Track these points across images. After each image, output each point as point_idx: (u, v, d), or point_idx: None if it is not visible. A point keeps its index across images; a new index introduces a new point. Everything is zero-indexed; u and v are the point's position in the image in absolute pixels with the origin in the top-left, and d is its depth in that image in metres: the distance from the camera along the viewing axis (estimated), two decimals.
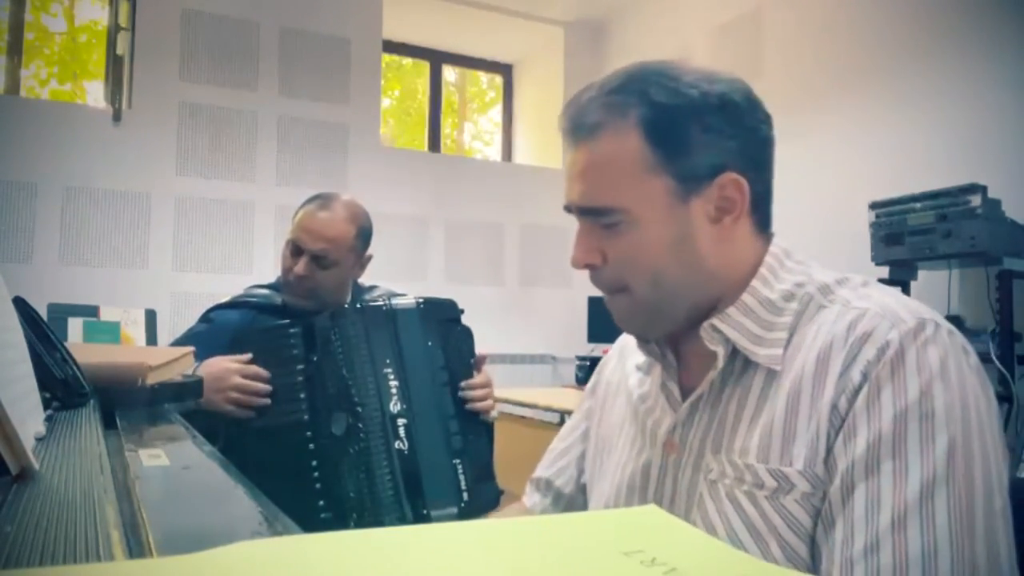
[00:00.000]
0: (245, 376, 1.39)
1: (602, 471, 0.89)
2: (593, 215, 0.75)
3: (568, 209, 0.78)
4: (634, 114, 0.72)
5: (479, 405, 1.46)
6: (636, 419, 0.84)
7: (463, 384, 1.45)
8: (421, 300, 1.48)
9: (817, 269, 0.77)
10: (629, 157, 0.72)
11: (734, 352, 0.74)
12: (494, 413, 1.51)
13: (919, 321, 0.66)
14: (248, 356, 1.43)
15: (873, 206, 2.94)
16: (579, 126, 0.75)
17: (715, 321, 0.74)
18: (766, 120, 0.76)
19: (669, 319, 0.77)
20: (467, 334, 1.51)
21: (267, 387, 1.40)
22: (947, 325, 0.68)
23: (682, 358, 0.81)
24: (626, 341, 0.96)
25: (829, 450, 0.65)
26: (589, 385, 1.01)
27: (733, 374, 0.74)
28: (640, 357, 0.86)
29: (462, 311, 1.52)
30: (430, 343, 1.44)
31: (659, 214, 0.72)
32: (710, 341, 0.74)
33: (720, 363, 0.73)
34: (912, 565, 0.58)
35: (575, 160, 0.76)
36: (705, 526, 0.71)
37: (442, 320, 1.48)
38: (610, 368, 0.97)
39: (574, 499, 0.98)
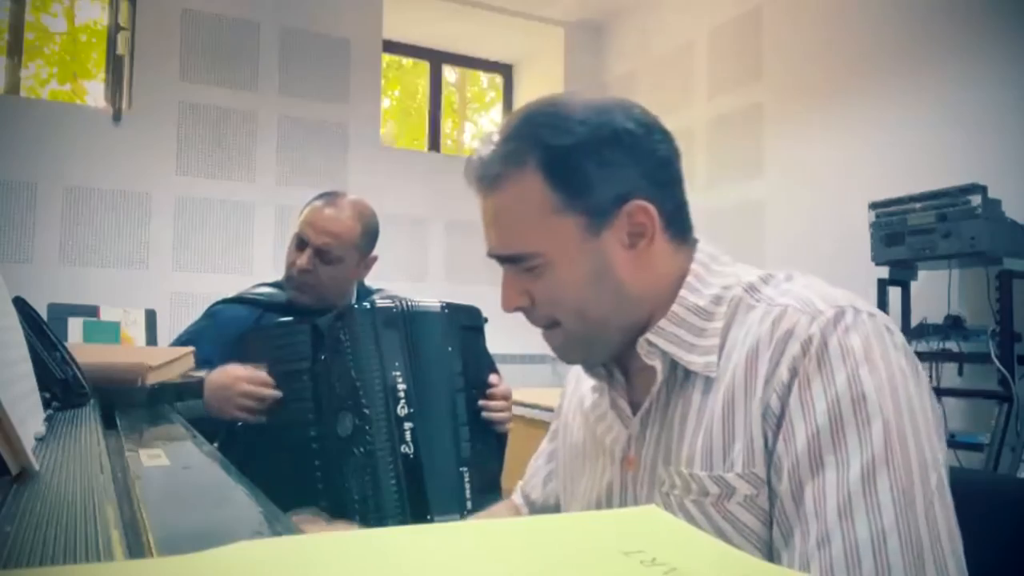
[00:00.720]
0: (252, 383, 1.39)
1: (572, 494, 0.91)
2: (512, 261, 0.77)
3: (491, 256, 0.80)
4: (531, 160, 0.73)
5: (496, 416, 1.45)
6: (595, 440, 0.86)
7: (488, 392, 1.45)
8: (445, 304, 1.47)
9: (743, 269, 0.79)
10: (534, 202, 0.74)
11: (674, 363, 0.75)
12: (509, 425, 1.50)
13: (837, 310, 0.67)
14: (262, 372, 1.41)
15: (873, 206, 2.94)
16: (482, 178, 0.77)
17: (649, 336, 0.75)
18: (664, 139, 0.78)
19: (603, 347, 0.79)
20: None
21: (275, 392, 1.39)
22: (867, 308, 0.69)
23: (629, 374, 0.82)
24: (579, 368, 0.98)
25: (769, 451, 0.67)
26: (557, 406, 1.03)
27: (676, 384, 0.75)
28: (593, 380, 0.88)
29: (486, 320, 1.51)
30: (450, 348, 1.43)
31: (573, 252, 0.74)
32: (647, 356, 0.75)
33: (660, 376, 0.75)
34: (863, 551, 0.59)
35: (486, 210, 0.78)
36: None
37: (464, 327, 1.47)
38: (570, 390, 0.98)
39: (550, 505, 1.00)
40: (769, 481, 0.67)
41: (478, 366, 1.47)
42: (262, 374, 1.40)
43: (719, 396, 0.71)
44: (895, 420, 0.63)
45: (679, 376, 0.75)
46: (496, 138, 0.77)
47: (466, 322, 1.48)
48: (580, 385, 0.94)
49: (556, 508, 0.99)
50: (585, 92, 0.80)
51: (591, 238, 0.74)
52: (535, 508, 1.01)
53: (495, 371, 1.53)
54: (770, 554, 0.67)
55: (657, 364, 0.75)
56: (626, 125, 0.74)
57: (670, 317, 0.75)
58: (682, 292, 0.76)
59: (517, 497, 1.05)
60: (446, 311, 1.45)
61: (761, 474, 0.67)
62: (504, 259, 0.78)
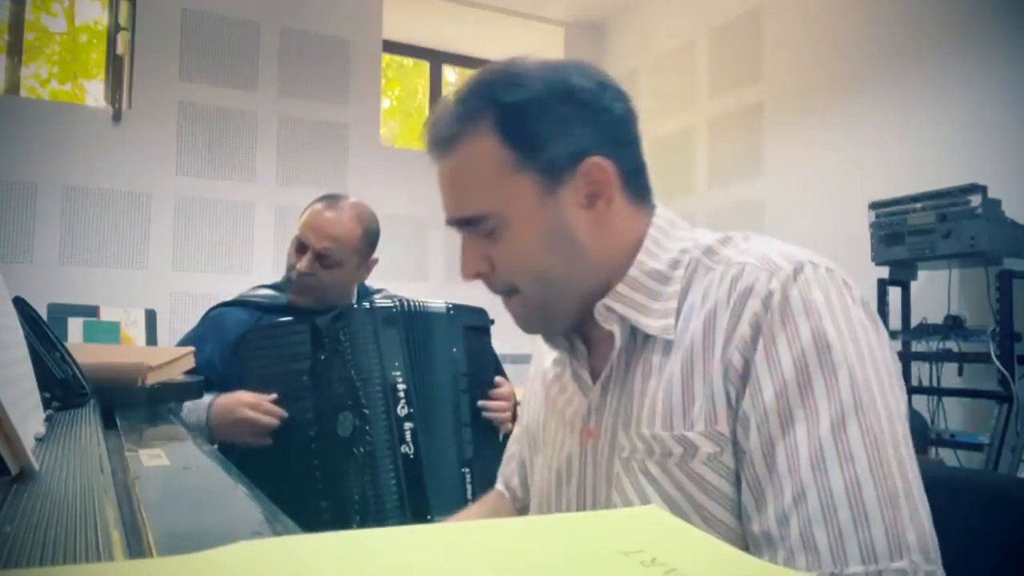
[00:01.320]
0: (256, 409, 1.38)
1: (534, 474, 0.90)
2: (469, 225, 0.76)
3: (449, 224, 0.78)
4: (486, 118, 0.73)
5: (497, 415, 1.45)
6: (555, 414, 0.85)
7: (490, 392, 1.44)
8: (451, 305, 1.47)
9: (702, 233, 0.78)
10: (489, 161, 0.73)
11: (633, 329, 0.74)
12: (509, 425, 1.50)
13: (796, 264, 0.68)
14: (271, 397, 1.40)
15: (873, 206, 2.94)
16: (438, 140, 0.76)
17: (607, 301, 0.75)
18: (620, 97, 0.77)
19: (564, 313, 0.77)
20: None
21: (280, 411, 1.38)
22: (825, 263, 0.69)
23: (590, 343, 0.81)
24: (542, 342, 0.97)
25: (735, 408, 0.66)
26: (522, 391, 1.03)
27: (635, 349, 0.75)
28: (555, 353, 0.87)
29: (492, 321, 1.51)
30: (455, 349, 1.43)
31: (530, 212, 0.73)
32: (605, 321, 0.75)
33: (618, 341, 0.74)
34: (839, 503, 0.59)
35: (442, 174, 0.77)
36: (624, 505, 0.72)
37: (470, 327, 1.47)
38: (532, 371, 0.98)
39: (525, 501, 0.99)
40: (735, 438, 0.67)
41: (483, 367, 1.47)
42: (266, 400, 1.39)
43: (678, 357, 0.71)
44: (860, 370, 0.63)
45: (638, 341, 0.75)
46: (449, 99, 0.76)
47: (472, 323, 1.48)
48: (542, 362, 0.93)
49: (525, 492, 0.99)
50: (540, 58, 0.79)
51: (548, 197, 0.73)
52: (515, 494, 1.01)
53: (501, 372, 1.53)
54: (738, 512, 0.67)
55: (615, 329, 0.74)
56: (580, 82, 0.74)
57: (627, 281, 0.75)
58: (639, 256, 0.75)
59: (500, 485, 1.04)
60: (452, 312, 1.45)
61: (725, 431, 0.67)
62: (461, 223, 0.76)
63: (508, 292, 0.78)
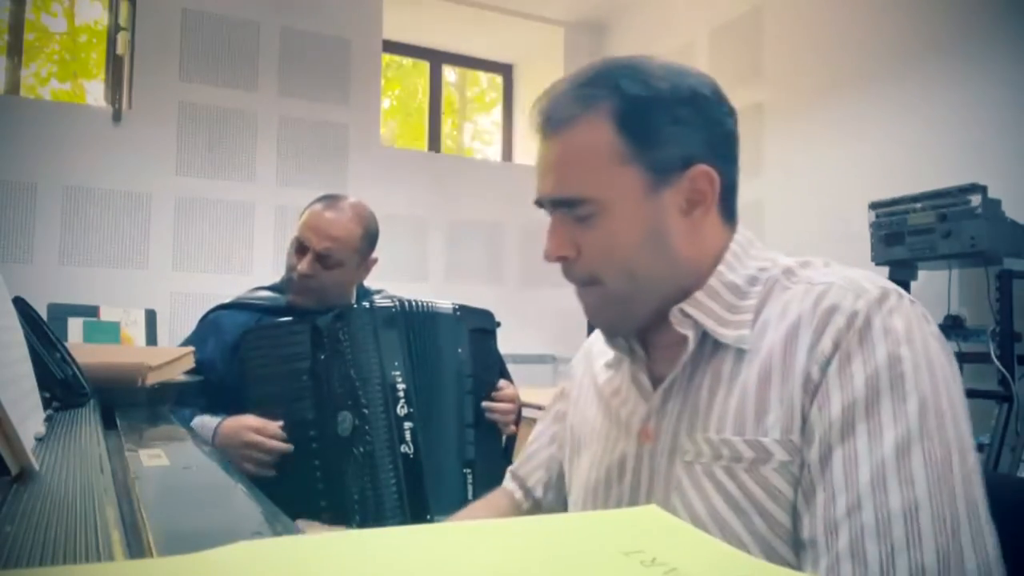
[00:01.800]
0: (261, 433, 1.35)
1: (578, 470, 0.89)
2: (566, 206, 0.75)
3: (540, 204, 0.78)
4: (606, 106, 0.73)
5: (500, 417, 1.45)
6: (609, 415, 0.85)
7: (495, 395, 1.44)
8: (457, 307, 1.47)
9: (781, 256, 0.79)
10: (602, 148, 0.73)
11: (703, 336, 0.75)
12: (512, 428, 1.50)
13: (882, 291, 0.68)
14: (277, 424, 1.37)
15: (873, 206, 2.94)
16: (551, 119, 0.75)
17: (684, 306, 0.75)
18: (732, 114, 0.79)
19: (640, 312, 0.78)
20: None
21: (284, 446, 1.35)
22: (908, 296, 0.70)
23: (650, 350, 0.82)
24: (591, 343, 0.97)
25: (804, 419, 0.67)
26: (558, 390, 1.02)
27: (703, 357, 0.75)
28: (608, 356, 0.87)
29: (498, 324, 1.51)
30: (460, 350, 1.44)
31: (632, 205, 0.73)
32: (680, 325, 0.75)
33: (691, 346, 0.74)
34: (894, 520, 0.59)
35: (548, 152, 0.76)
36: (685, 509, 0.72)
37: (476, 329, 1.47)
38: (580, 371, 0.97)
39: (541, 501, 0.98)
40: (802, 450, 0.67)
41: (488, 369, 1.47)
42: (273, 426, 1.36)
43: (754, 367, 0.71)
44: (932, 399, 0.63)
45: (707, 349, 0.75)
46: (571, 79, 0.76)
47: (478, 325, 1.48)
48: (592, 363, 0.93)
49: (556, 492, 0.98)
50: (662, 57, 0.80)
51: (651, 195, 0.73)
52: (532, 494, 1.00)
53: (506, 375, 1.53)
54: (796, 519, 0.66)
55: (689, 333, 0.74)
56: (702, 90, 0.75)
57: (706, 290, 0.75)
58: (720, 267, 0.76)
59: (509, 483, 1.03)
60: (459, 313, 1.45)
61: (797, 442, 0.67)
62: (559, 203, 0.76)
63: (588, 282, 0.78)
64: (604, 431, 0.85)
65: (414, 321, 1.44)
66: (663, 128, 0.73)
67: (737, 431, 0.70)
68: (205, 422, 1.38)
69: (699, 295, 0.75)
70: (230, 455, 1.32)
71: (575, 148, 0.74)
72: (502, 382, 1.51)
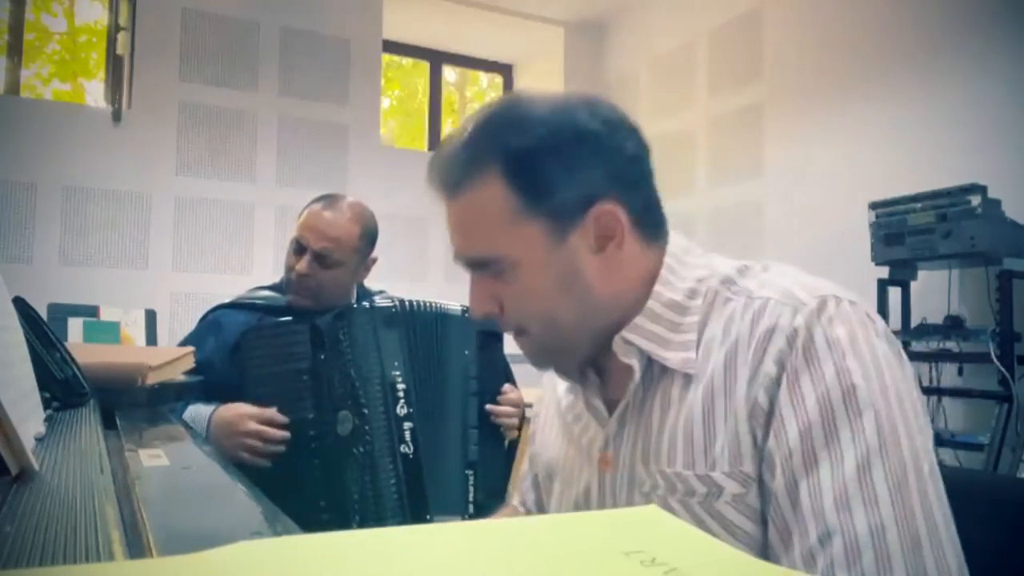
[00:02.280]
0: (261, 422, 1.34)
1: (551, 496, 0.90)
2: (478, 267, 0.75)
3: (458, 262, 0.78)
4: (493, 164, 0.71)
5: (504, 420, 1.45)
6: (572, 441, 0.84)
7: (499, 399, 1.44)
8: (466, 308, 1.47)
9: (719, 260, 0.77)
10: (497, 207, 0.72)
11: (651, 360, 0.74)
12: (514, 433, 1.50)
13: (820, 300, 0.67)
14: (272, 411, 1.36)
15: (873, 206, 2.94)
16: (446, 183, 0.75)
17: (625, 334, 0.74)
18: (631, 135, 0.75)
19: (573, 353, 0.77)
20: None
21: (283, 433, 1.35)
22: (848, 295, 0.69)
23: (604, 372, 0.81)
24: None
25: (759, 448, 0.66)
26: (534, 411, 1.02)
27: (652, 381, 0.74)
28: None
29: None
30: (467, 351, 1.44)
31: (539, 257, 0.72)
32: (624, 355, 0.74)
33: (637, 375, 0.73)
34: (863, 546, 0.59)
35: (450, 215, 0.76)
36: None
37: (483, 332, 1.47)
38: (548, 394, 0.97)
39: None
40: (760, 478, 0.66)
41: (494, 372, 1.47)
42: (271, 412, 1.35)
43: (698, 393, 0.70)
44: (885, 410, 0.62)
45: (655, 373, 0.74)
46: (456, 141, 0.75)
47: (486, 327, 1.48)
48: (557, 386, 0.92)
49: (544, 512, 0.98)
50: (548, 91, 0.78)
51: (557, 243, 0.72)
52: (531, 511, 1.00)
53: (511, 379, 1.53)
54: (763, 552, 0.66)
55: (634, 362, 0.73)
56: (589, 125, 0.72)
57: (646, 313, 0.74)
58: (656, 287, 0.75)
59: (516, 501, 1.03)
60: (466, 315, 1.45)
61: (750, 472, 0.66)
62: (470, 263, 0.76)
63: (518, 332, 0.78)
64: (569, 459, 0.85)
65: (418, 321, 1.44)
66: (554, 175, 0.71)
67: (687, 463, 0.69)
68: (199, 410, 1.38)
69: (639, 320, 0.74)
70: (225, 444, 1.32)
71: (472, 210, 0.73)
72: (506, 386, 1.51)
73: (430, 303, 1.48)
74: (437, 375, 1.42)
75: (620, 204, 0.72)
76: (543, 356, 0.79)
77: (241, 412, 1.35)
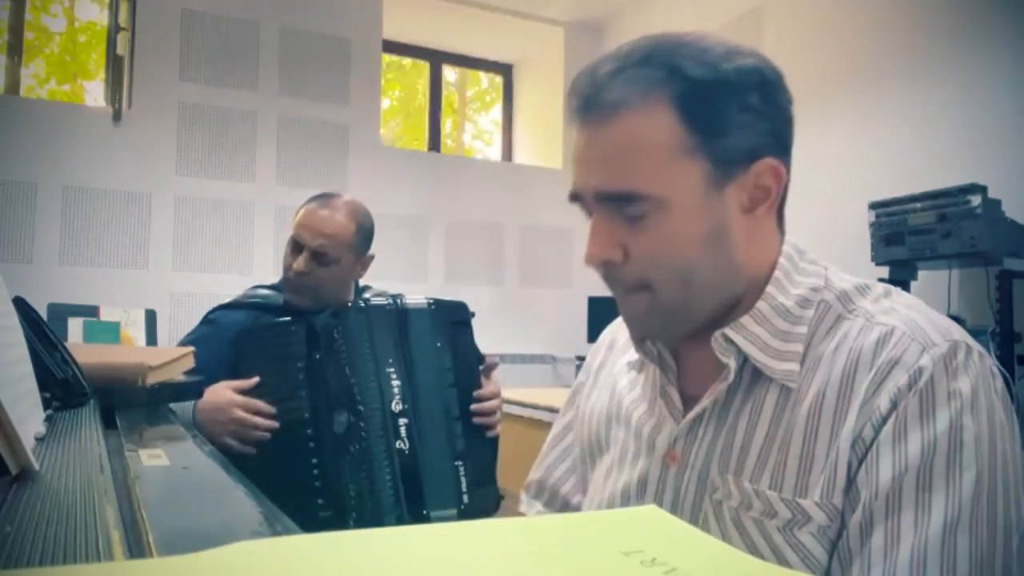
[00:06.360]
0: (247, 410, 1.37)
1: (594, 475, 0.84)
2: (616, 202, 0.66)
3: (577, 198, 0.69)
4: (666, 90, 0.64)
5: (486, 420, 1.46)
6: (629, 426, 0.78)
7: (475, 395, 1.45)
8: (432, 301, 1.48)
9: (834, 272, 0.72)
10: (661, 138, 0.64)
11: (744, 363, 0.68)
12: (499, 427, 1.51)
13: (951, 344, 0.62)
14: (253, 382, 1.39)
15: (873, 206, 2.93)
16: (598, 104, 0.65)
17: (728, 331, 0.68)
18: (791, 101, 0.70)
19: (691, 321, 0.69)
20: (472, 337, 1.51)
21: (270, 422, 1.38)
22: (977, 347, 0.64)
23: (681, 360, 0.75)
24: (615, 335, 0.89)
25: (850, 481, 0.61)
26: (577, 382, 0.95)
27: (741, 387, 0.69)
28: (631, 354, 0.79)
29: (473, 314, 1.52)
30: (439, 344, 1.44)
31: (693, 203, 0.64)
32: (722, 353, 0.68)
33: (731, 376, 0.68)
34: None
35: (593, 142, 0.66)
36: None
37: (452, 322, 1.48)
38: (598, 363, 0.90)
39: (578, 508, 0.90)
40: (843, 513, 0.62)
41: (468, 361, 1.48)
42: (257, 402, 1.38)
43: (801, 412, 0.64)
44: (988, 475, 0.58)
45: (746, 377, 0.68)
46: (620, 58, 0.66)
47: (454, 317, 1.49)
48: (613, 360, 0.86)
49: (580, 505, 0.90)
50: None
51: (714, 192, 0.65)
52: (566, 501, 0.91)
53: (482, 363, 1.54)
54: None
55: (732, 363, 0.67)
56: (768, 75, 0.67)
57: (753, 315, 0.68)
58: (769, 288, 0.68)
59: (524, 507, 0.95)
60: (433, 307, 1.46)
61: (839, 505, 0.61)
62: (608, 198, 0.66)
63: (636, 288, 0.68)
64: (623, 442, 0.79)
65: (406, 317, 1.45)
66: (731, 116, 0.64)
67: (774, 484, 0.64)
68: None
69: (745, 319, 0.67)
70: (213, 429, 1.35)
71: (628, 137, 0.64)
72: (484, 381, 1.51)
73: (399, 299, 1.49)
74: (421, 370, 1.43)
75: (783, 166, 0.67)
76: (655, 320, 0.69)
77: (228, 398, 1.37)
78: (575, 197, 0.69)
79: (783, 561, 0.63)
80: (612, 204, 0.66)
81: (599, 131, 0.66)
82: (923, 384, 0.60)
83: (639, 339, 0.75)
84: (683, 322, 0.70)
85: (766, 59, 0.68)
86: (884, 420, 0.60)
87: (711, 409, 0.70)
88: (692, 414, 0.71)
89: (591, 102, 0.66)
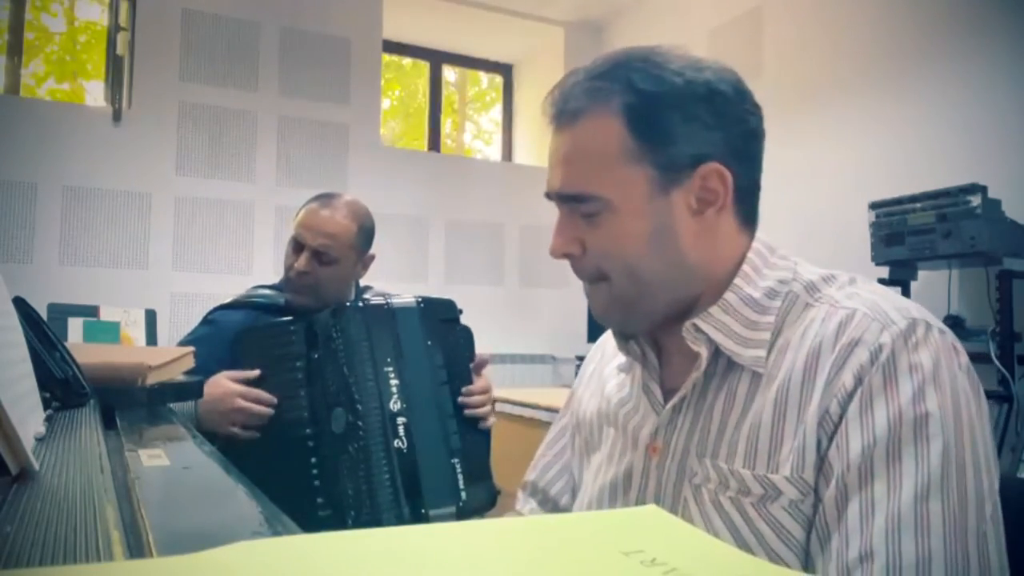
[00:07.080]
0: (247, 399, 1.39)
1: (583, 474, 0.88)
2: (572, 202, 0.73)
3: (549, 196, 0.77)
4: (617, 101, 0.71)
5: (478, 411, 1.46)
6: (616, 421, 0.83)
7: (464, 390, 1.46)
8: (420, 299, 1.48)
9: (803, 265, 0.76)
10: (610, 144, 0.71)
11: (717, 352, 0.72)
12: (492, 419, 1.51)
13: (910, 322, 0.65)
14: (255, 373, 1.42)
15: (873, 206, 2.94)
16: (562, 111, 0.74)
17: (697, 321, 0.72)
18: (755, 112, 0.75)
19: (647, 313, 0.75)
20: (466, 334, 1.52)
21: (269, 411, 1.40)
22: (937, 324, 0.67)
23: (663, 357, 0.80)
24: (607, 341, 0.94)
25: (821, 456, 0.64)
26: (573, 387, 1.00)
27: (716, 375, 0.73)
28: (621, 359, 0.85)
29: (461, 311, 1.53)
30: (429, 342, 1.45)
31: (638, 204, 0.71)
32: (693, 342, 0.73)
33: (703, 364, 0.72)
34: (906, 572, 0.57)
35: (557, 146, 0.74)
36: None
37: (441, 320, 1.49)
38: (591, 369, 0.95)
39: (567, 509, 0.95)
40: (816, 487, 0.65)
41: (459, 358, 1.49)
42: (257, 391, 1.40)
43: (769, 394, 0.68)
44: (955, 444, 0.60)
45: (721, 366, 0.73)
46: (584, 72, 0.74)
47: (443, 315, 1.49)
48: (604, 364, 0.91)
49: (571, 499, 0.95)
50: (681, 47, 0.76)
51: (659, 195, 0.71)
52: (556, 503, 0.96)
53: (473, 357, 1.54)
54: (805, 559, 0.65)
55: (702, 351, 0.72)
56: (720, 87, 0.72)
57: (721, 304, 0.72)
58: (737, 280, 0.73)
59: (520, 505, 0.99)
60: (422, 306, 1.47)
61: (810, 480, 0.65)
62: (565, 198, 0.74)
63: (595, 279, 0.76)
64: (612, 439, 0.83)
65: (395, 317, 1.45)
66: (674, 126, 0.70)
67: (747, 463, 0.68)
68: None
69: (714, 310, 0.72)
70: (214, 418, 1.37)
71: (583, 142, 0.72)
72: (474, 376, 1.52)
73: (389, 298, 1.49)
74: (414, 369, 1.43)
75: (729, 171, 0.71)
76: (616, 309, 0.76)
77: (229, 389, 1.39)
78: (547, 196, 0.77)
79: (756, 534, 0.66)
80: (571, 203, 0.74)
81: (562, 136, 0.74)
82: (884, 359, 0.63)
83: (622, 338, 0.81)
84: (639, 312, 0.75)
85: (726, 74, 0.74)
86: (850, 396, 0.64)
87: (689, 398, 0.74)
88: (671, 404, 0.75)
89: (559, 109, 0.74)
